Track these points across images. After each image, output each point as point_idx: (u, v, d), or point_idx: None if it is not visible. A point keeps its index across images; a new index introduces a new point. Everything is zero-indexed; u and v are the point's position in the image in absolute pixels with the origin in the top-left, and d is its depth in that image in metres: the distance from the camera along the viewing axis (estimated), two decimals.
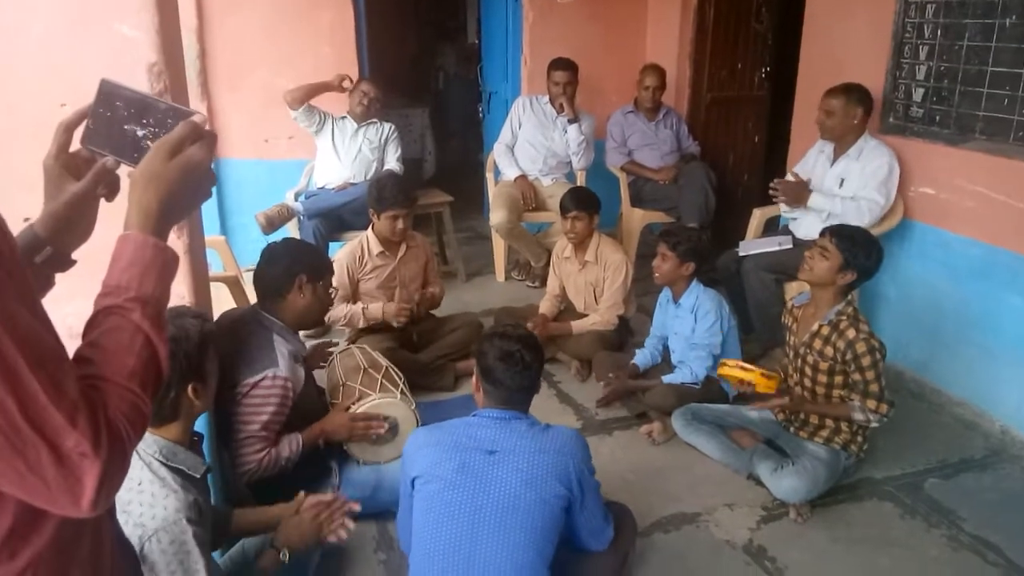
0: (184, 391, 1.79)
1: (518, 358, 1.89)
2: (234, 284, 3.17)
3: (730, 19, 5.21)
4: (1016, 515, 2.60)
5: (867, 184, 3.42)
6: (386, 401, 2.53)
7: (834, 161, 3.58)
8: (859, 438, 2.69)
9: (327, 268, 2.61)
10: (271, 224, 4.19)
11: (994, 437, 3.09)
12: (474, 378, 2.03)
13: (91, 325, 0.88)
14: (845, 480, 2.73)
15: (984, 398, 3.20)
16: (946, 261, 3.35)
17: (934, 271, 3.42)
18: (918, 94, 3.47)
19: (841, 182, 3.52)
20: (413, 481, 1.93)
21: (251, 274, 2.56)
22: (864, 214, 3.37)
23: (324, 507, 2.03)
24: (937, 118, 3.38)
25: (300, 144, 4.66)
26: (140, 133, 0.99)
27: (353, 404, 2.51)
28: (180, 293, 2.12)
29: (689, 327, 3.16)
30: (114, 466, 0.79)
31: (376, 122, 4.49)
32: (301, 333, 2.63)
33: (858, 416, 2.55)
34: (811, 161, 3.74)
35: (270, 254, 2.52)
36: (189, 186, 0.95)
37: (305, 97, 4.26)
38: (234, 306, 3.02)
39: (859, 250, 2.58)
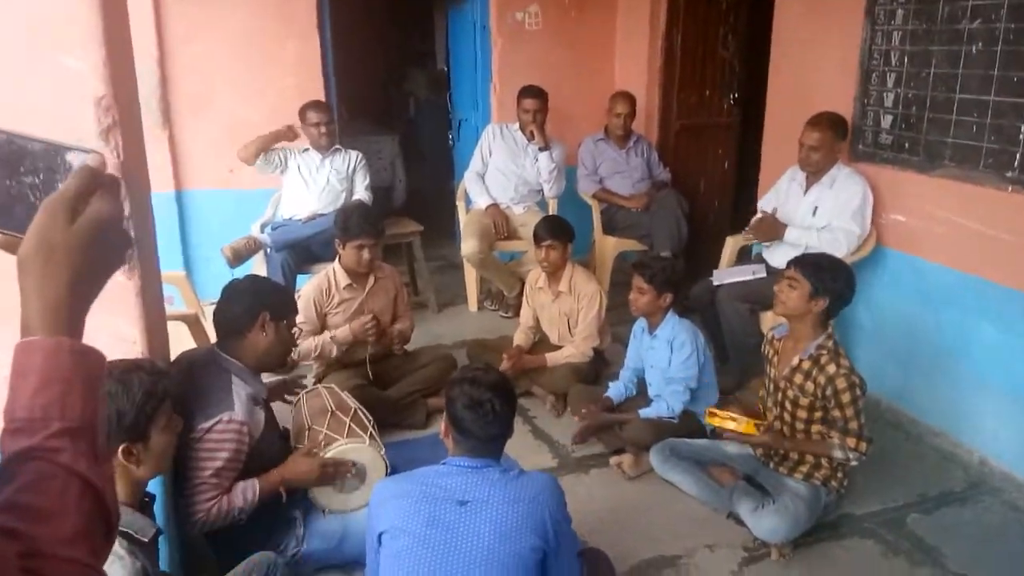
0: (114, 453, 1.67)
1: (488, 408, 1.81)
2: (194, 323, 3.05)
3: (697, 46, 5.23)
4: (998, 551, 2.56)
5: (842, 213, 3.41)
6: (353, 446, 2.42)
7: (807, 189, 3.56)
8: (839, 474, 2.63)
9: (291, 307, 2.51)
10: (238, 257, 4.07)
11: (973, 469, 3.05)
12: (443, 424, 1.94)
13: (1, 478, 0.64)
14: (826, 517, 2.66)
15: (961, 428, 3.16)
16: (919, 289, 3.34)
17: (908, 299, 3.40)
18: (887, 121, 3.48)
19: (815, 210, 3.50)
20: (380, 536, 1.82)
21: (212, 309, 2.45)
22: (842, 244, 3.35)
23: None
24: (906, 145, 3.38)
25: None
26: (14, 191, 0.71)
27: (318, 449, 2.40)
28: (130, 336, 2.01)
29: (666, 359, 3.10)
30: None
31: (342, 150, 4.40)
32: (264, 376, 2.52)
33: (837, 454, 2.49)
34: (783, 189, 3.72)
35: (232, 291, 2.43)
36: (100, 255, 0.71)
37: (258, 151, 4.17)
38: (194, 346, 2.90)
39: (825, 274, 2.55)
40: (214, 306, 2.45)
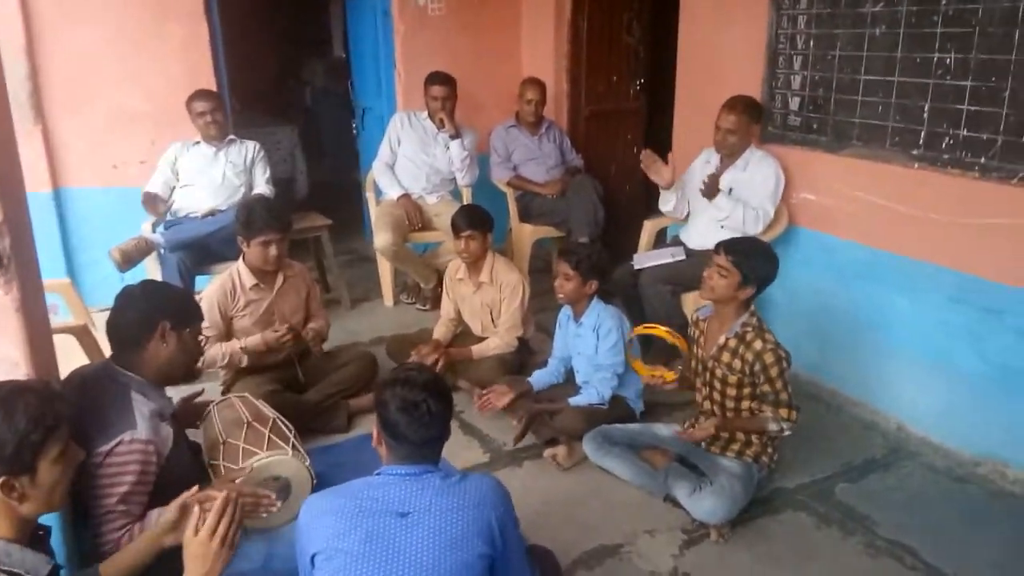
0: None
1: (424, 409, 1.68)
2: (84, 334, 2.76)
3: (603, 32, 5.22)
4: (924, 515, 2.64)
5: (757, 194, 3.46)
6: (275, 459, 2.24)
7: (721, 172, 3.59)
8: (769, 449, 2.66)
9: (195, 313, 2.29)
10: (127, 260, 3.74)
11: (891, 435, 3.16)
12: (375, 431, 1.80)
13: None
14: (759, 493, 2.68)
15: (879, 397, 3.27)
16: (832, 265, 3.43)
17: (821, 275, 3.48)
18: (795, 103, 3.54)
19: (729, 191, 3.53)
20: (313, 558, 1.67)
21: (105, 316, 2.21)
22: (759, 221, 3.42)
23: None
24: (815, 126, 3.46)
25: (154, 169, 4.22)
26: None
27: (239, 470, 2.21)
28: (12, 357, 1.77)
29: (592, 346, 3.05)
30: None
31: (237, 140, 4.13)
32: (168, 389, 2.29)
33: (772, 427, 2.52)
34: (697, 172, 3.74)
35: (126, 298, 2.19)
36: None
37: (156, 204, 3.97)
38: (85, 360, 2.62)
39: (755, 263, 2.57)
40: (105, 314, 2.21)
